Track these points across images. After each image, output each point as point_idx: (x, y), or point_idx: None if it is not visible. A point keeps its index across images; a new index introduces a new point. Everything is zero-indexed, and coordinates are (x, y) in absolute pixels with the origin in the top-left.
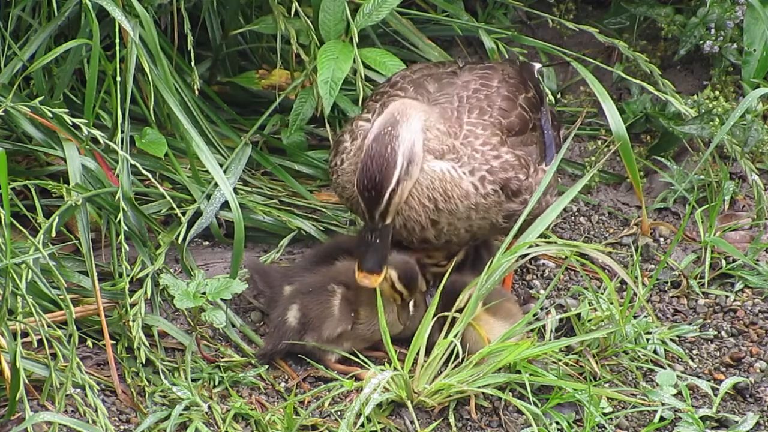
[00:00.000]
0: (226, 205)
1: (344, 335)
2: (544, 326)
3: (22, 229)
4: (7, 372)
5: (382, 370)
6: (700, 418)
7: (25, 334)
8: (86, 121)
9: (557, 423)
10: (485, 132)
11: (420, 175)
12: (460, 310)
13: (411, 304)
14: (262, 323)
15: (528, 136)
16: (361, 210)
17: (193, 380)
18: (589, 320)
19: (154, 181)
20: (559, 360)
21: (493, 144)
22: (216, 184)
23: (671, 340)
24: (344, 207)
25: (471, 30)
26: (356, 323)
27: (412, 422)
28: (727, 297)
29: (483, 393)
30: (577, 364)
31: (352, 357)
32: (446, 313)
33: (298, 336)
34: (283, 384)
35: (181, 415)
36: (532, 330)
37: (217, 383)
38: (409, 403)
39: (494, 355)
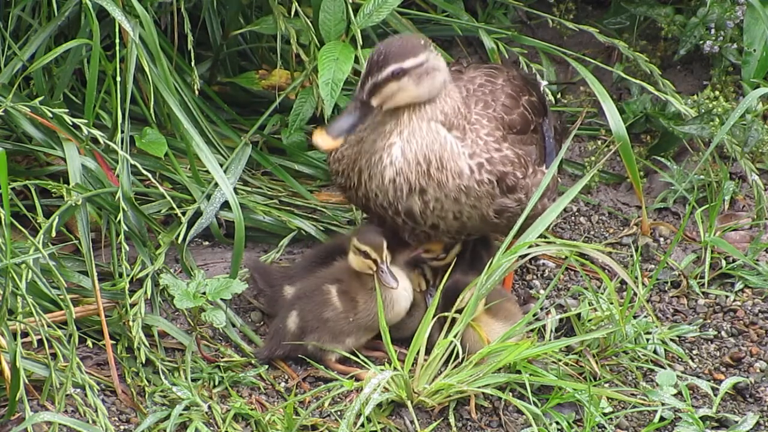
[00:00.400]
0: (226, 205)
1: (346, 329)
2: (544, 326)
3: (22, 229)
4: (7, 372)
5: (382, 370)
6: (700, 418)
7: (25, 334)
8: (86, 121)
9: (557, 423)
10: (490, 124)
11: (424, 130)
12: (460, 311)
13: (387, 264)
14: (262, 323)
15: (529, 137)
16: (360, 80)
17: (193, 380)
18: (589, 320)
19: (154, 181)
20: (559, 360)
21: (496, 137)
22: (216, 184)
23: (671, 340)
24: (344, 207)
25: (471, 30)
26: (357, 313)
27: (412, 422)
28: (727, 297)
29: (483, 393)
30: (577, 364)
31: (352, 357)
32: (446, 314)
33: (297, 341)
34: (283, 384)
35: (181, 415)
36: (532, 330)
37: (217, 383)
38: (409, 403)
39: (494, 355)
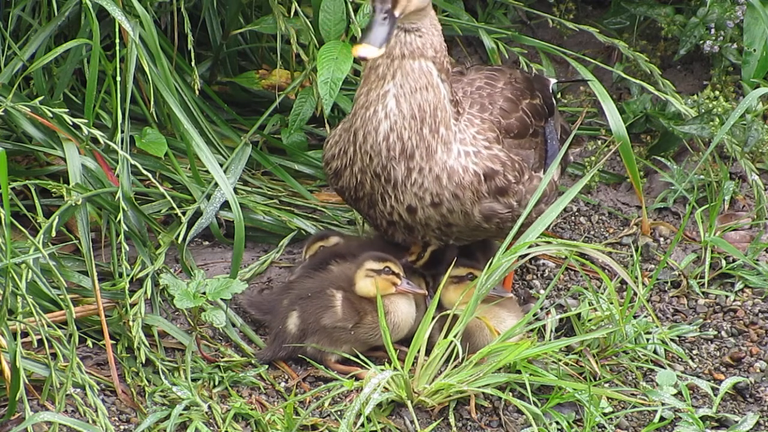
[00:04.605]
0: (226, 205)
1: (343, 337)
2: (544, 326)
3: (22, 229)
4: (7, 372)
5: (382, 370)
6: (700, 418)
7: (25, 334)
8: (86, 121)
9: (557, 423)
10: (483, 125)
11: (417, 71)
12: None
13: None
14: (261, 323)
15: (527, 141)
16: None
17: (193, 380)
18: (589, 320)
19: (154, 181)
20: (559, 360)
21: (488, 137)
22: (216, 184)
23: (671, 340)
24: (344, 207)
25: (471, 30)
26: (359, 327)
27: (412, 422)
28: (727, 297)
29: (483, 393)
30: (577, 364)
31: (353, 357)
32: (447, 312)
33: (298, 342)
34: (283, 384)
35: (181, 415)
36: (532, 330)
37: (217, 383)
38: (409, 403)
39: (494, 355)
